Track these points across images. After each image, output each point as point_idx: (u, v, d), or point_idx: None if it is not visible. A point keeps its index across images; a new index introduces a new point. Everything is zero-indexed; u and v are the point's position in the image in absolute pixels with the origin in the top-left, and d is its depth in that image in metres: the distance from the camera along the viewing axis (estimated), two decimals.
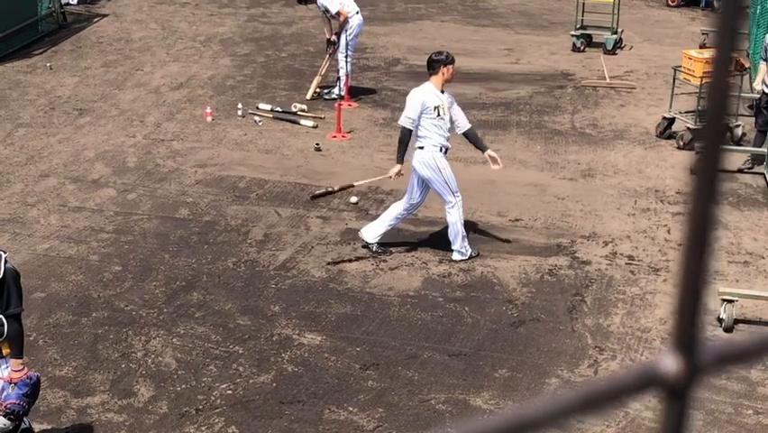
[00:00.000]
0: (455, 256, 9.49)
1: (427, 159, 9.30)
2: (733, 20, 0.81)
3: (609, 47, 15.57)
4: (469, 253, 9.49)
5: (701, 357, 0.80)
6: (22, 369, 6.33)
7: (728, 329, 8.47)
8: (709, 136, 0.83)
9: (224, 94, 13.72)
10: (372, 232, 9.53)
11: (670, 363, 0.79)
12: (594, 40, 15.78)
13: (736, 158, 11.73)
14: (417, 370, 7.93)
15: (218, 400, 7.56)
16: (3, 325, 6.24)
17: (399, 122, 9.46)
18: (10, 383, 6.31)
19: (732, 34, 0.81)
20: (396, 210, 9.56)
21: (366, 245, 9.57)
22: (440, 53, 9.51)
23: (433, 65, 9.36)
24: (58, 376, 7.68)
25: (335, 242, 9.82)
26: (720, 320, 8.49)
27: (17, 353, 6.31)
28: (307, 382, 7.77)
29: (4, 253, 6.32)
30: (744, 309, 8.50)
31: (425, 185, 9.42)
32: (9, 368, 6.33)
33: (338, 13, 13.14)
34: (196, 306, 8.72)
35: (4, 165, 11.33)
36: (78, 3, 17.46)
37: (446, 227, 9.55)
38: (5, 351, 6.29)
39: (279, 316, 8.60)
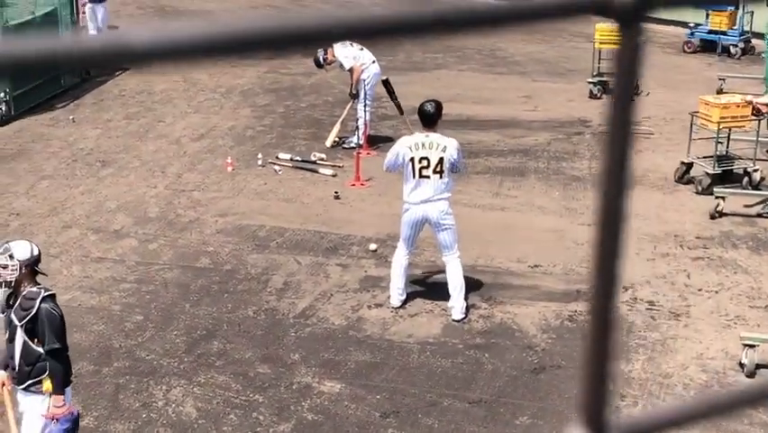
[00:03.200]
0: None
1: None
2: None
3: None
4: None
5: None
6: (64, 405, 6.49)
7: (750, 374, 8.43)
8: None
9: (245, 144, 13.86)
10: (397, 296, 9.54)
11: None
12: (611, 86, 15.84)
13: (755, 202, 11.73)
14: (438, 418, 7.91)
15: None
16: (45, 360, 6.46)
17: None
18: (52, 420, 6.46)
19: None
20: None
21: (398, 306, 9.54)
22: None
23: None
24: (80, 426, 7.70)
25: (354, 289, 9.85)
26: (742, 365, 8.45)
27: (58, 389, 6.45)
28: (328, 431, 7.77)
29: (46, 291, 6.54)
30: (765, 354, 8.46)
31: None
32: (51, 404, 6.50)
33: (351, 69, 13.31)
34: (216, 355, 8.75)
35: (27, 217, 11.46)
36: None
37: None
38: (47, 387, 6.45)
39: (299, 364, 8.61)
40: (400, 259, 9.44)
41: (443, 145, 9.19)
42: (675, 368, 8.56)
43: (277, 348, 8.85)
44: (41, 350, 6.49)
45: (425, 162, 9.13)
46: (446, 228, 9.26)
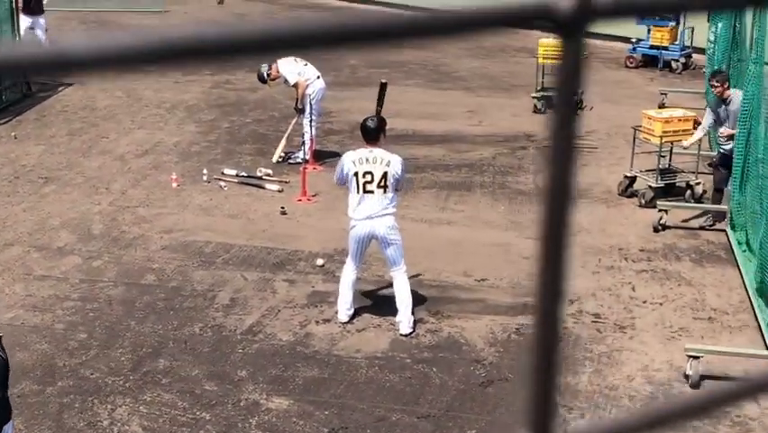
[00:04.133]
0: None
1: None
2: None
3: None
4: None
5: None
6: None
7: (695, 385, 8.52)
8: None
9: (190, 160, 13.77)
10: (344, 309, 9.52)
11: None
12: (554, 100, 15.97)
13: (696, 215, 11.90)
14: None
15: None
16: None
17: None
18: None
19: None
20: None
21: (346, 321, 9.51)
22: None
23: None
24: None
25: (302, 304, 9.82)
26: (687, 377, 8.54)
27: None
28: None
29: None
30: (709, 365, 8.56)
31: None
32: None
33: (296, 84, 13.31)
34: (162, 372, 8.66)
35: None
36: None
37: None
38: None
39: (247, 381, 8.56)
40: (348, 274, 9.42)
41: (386, 160, 9.21)
42: (621, 380, 8.63)
43: (224, 365, 8.78)
44: None
45: (368, 177, 9.14)
46: (392, 243, 9.26)
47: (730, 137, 11.32)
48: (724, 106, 11.54)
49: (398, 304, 9.32)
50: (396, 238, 9.28)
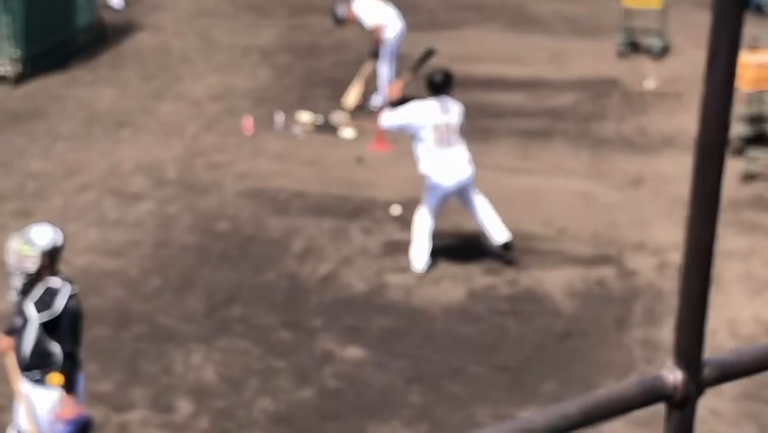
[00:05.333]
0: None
1: None
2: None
3: (657, 52, 15.28)
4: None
5: (704, 371, 0.81)
6: (74, 406, 6.17)
7: None
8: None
9: (264, 105, 13.60)
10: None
11: (673, 377, 0.80)
12: (642, 45, 15.49)
13: None
14: (462, 384, 7.72)
15: (260, 416, 7.41)
16: (58, 356, 6.11)
17: None
18: (61, 419, 6.16)
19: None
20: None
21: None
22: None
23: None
24: (98, 391, 7.55)
25: (377, 254, 9.64)
26: None
27: (71, 390, 6.13)
28: (350, 398, 7.60)
29: (71, 288, 6.15)
30: None
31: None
32: (62, 403, 6.17)
33: (374, 28, 12.98)
34: (236, 320, 8.58)
35: (43, 179, 11.27)
36: (117, 3, 17.46)
37: (484, 238, 9.40)
38: (57, 381, 6.13)
39: (321, 330, 8.43)
40: (426, 223, 9.26)
41: (456, 109, 9.26)
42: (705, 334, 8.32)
43: (298, 314, 8.66)
44: (56, 349, 6.11)
45: (444, 129, 9.07)
46: (473, 187, 9.22)
47: None
48: None
49: (486, 221, 9.24)
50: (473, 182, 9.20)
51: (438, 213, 9.30)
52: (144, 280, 9.19)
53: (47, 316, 6.08)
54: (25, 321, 6.14)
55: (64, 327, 6.07)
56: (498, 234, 9.23)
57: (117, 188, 11.07)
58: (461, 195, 9.28)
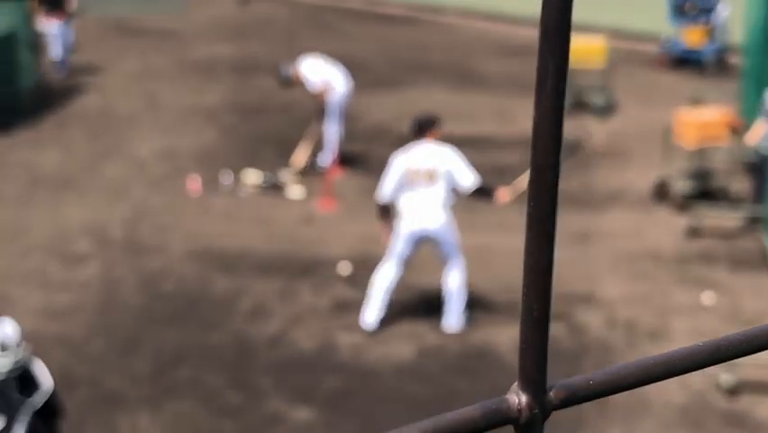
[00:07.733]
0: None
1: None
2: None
3: (601, 110, 15.49)
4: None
5: (549, 394, 0.82)
6: None
7: (731, 393, 8.24)
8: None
9: (211, 165, 13.55)
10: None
11: (518, 399, 0.81)
12: (587, 103, 15.69)
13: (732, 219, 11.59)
14: None
15: None
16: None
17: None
18: None
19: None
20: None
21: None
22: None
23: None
24: None
25: (326, 313, 9.57)
26: (721, 386, 8.26)
27: None
28: None
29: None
30: (745, 374, 8.27)
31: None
32: None
33: (318, 91, 13.03)
34: (183, 381, 8.44)
35: None
36: (61, 65, 17.33)
37: (439, 294, 9.35)
38: None
39: (270, 390, 8.32)
40: (386, 278, 9.16)
41: (437, 153, 9.15)
42: (652, 388, 8.34)
43: (246, 374, 8.55)
44: None
45: (419, 173, 9.03)
46: (448, 241, 9.15)
47: None
48: None
49: (448, 300, 9.19)
50: (451, 235, 9.15)
51: (405, 263, 9.22)
52: (89, 342, 9.03)
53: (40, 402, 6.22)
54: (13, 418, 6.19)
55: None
56: (448, 320, 9.21)
57: (62, 251, 10.92)
58: (436, 248, 9.25)
